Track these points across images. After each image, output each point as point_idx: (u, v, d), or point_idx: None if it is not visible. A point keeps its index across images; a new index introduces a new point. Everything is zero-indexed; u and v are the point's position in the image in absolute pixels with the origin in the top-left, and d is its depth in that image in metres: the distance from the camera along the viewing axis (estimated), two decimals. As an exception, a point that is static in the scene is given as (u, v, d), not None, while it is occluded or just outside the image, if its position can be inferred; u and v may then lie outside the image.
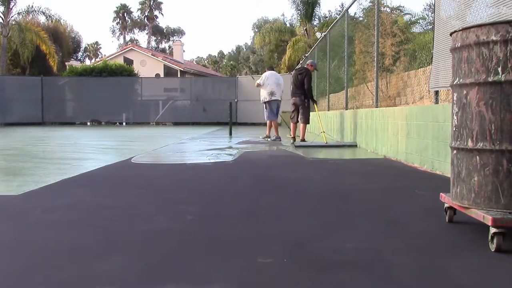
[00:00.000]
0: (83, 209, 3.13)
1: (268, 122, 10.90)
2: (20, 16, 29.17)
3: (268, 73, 10.92)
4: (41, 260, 2.04)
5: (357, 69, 9.57)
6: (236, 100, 23.30)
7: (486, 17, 4.04)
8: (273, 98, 10.58)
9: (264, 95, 10.68)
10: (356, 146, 8.47)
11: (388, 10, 8.48)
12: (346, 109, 9.68)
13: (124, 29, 57.59)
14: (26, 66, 31.72)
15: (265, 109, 10.84)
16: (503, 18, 3.68)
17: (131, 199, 3.51)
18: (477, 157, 2.30)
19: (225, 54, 66.69)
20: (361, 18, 9.35)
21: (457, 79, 2.42)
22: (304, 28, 29.71)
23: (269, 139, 10.56)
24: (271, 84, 10.65)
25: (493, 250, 2.13)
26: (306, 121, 9.73)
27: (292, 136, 9.79)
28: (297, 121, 9.87)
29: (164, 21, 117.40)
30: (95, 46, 57.87)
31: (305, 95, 9.58)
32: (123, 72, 26.60)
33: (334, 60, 11.46)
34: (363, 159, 6.62)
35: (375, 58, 7.43)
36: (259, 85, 10.80)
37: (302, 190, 3.93)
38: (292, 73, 9.87)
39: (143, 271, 1.89)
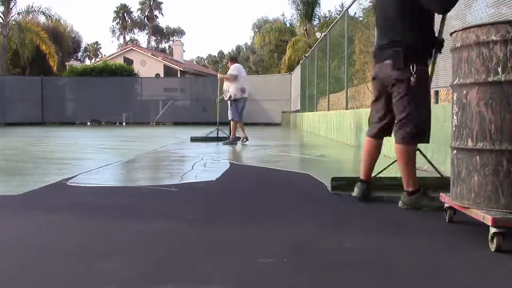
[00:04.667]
0: (83, 209, 3.13)
1: (234, 122, 9.55)
2: (20, 16, 29.19)
3: (239, 65, 9.60)
4: (41, 260, 2.04)
5: (357, 69, 9.56)
6: (236, 100, 23.26)
7: (486, 17, 4.04)
8: (244, 95, 9.38)
9: (234, 91, 9.28)
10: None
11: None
12: (346, 109, 9.68)
13: (124, 29, 57.56)
14: (26, 66, 31.74)
15: (230, 107, 9.47)
16: (503, 18, 3.68)
17: (132, 199, 3.51)
18: (477, 157, 2.30)
19: (225, 54, 66.62)
20: (361, 18, 9.35)
21: (457, 79, 2.42)
22: (304, 28, 29.70)
23: (246, 141, 9.54)
24: (243, 78, 9.45)
25: (493, 250, 2.13)
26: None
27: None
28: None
29: (164, 21, 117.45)
30: (95, 46, 57.88)
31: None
32: (123, 72, 26.63)
33: (334, 60, 11.45)
34: (363, 159, 6.60)
35: (375, 58, 7.41)
36: (232, 79, 9.32)
37: (301, 189, 3.93)
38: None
39: (143, 271, 1.89)
